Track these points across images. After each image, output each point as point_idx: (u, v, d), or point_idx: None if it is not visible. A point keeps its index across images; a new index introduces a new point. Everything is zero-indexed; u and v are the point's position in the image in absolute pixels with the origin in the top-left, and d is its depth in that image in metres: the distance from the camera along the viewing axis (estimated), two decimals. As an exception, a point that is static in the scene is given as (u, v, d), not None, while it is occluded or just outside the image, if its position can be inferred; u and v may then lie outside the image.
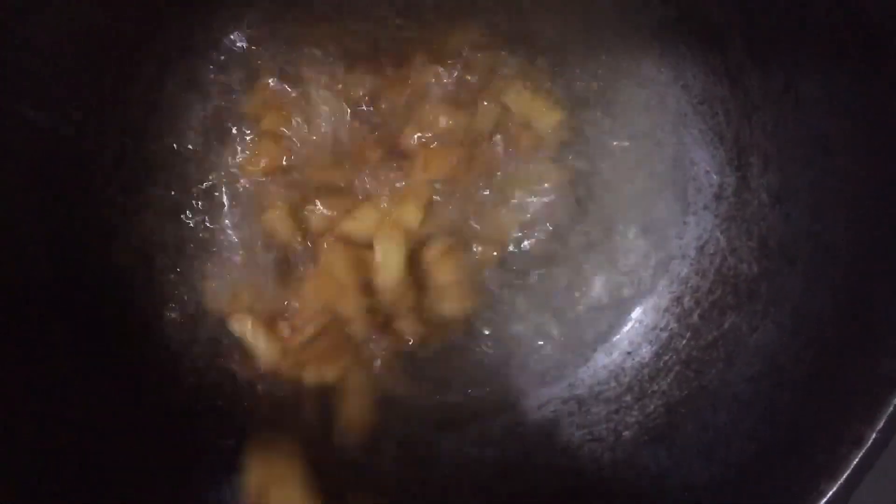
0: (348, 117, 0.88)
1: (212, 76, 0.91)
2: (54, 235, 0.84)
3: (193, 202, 0.92)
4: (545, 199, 0.94)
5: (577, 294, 0.98)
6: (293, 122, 0.89)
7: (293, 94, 0.89)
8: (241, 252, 0.90)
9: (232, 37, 0.91)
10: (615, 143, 0.94)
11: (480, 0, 0.92)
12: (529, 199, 0.94)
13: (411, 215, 0.88)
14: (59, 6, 0.77)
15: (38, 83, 0.80)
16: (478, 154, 0.91)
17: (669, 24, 0.90)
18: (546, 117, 0.91)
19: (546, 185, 0.93)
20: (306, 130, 0.89)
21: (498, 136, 0.92)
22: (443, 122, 0.90)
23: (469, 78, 0.90)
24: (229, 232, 0.91)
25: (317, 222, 0.90)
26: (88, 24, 0.82)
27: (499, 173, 0.93)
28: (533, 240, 0.95)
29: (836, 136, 0.75)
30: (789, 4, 0.75)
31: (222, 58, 0.92)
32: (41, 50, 0.78)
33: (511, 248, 0.95)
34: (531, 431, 0.97)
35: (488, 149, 0.92)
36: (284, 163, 0.90)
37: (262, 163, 0.90)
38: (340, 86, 0.89)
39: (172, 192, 0.92)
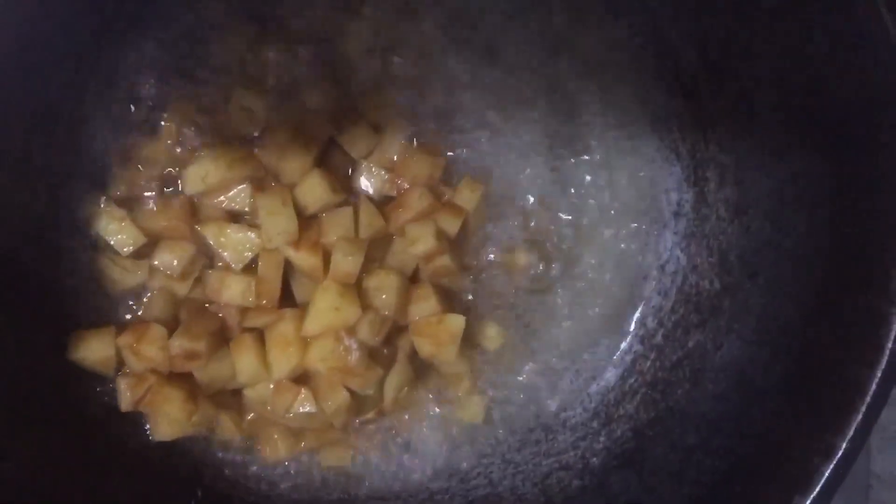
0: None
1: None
2: None
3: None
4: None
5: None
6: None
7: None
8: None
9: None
10: (572, 163, 0.93)
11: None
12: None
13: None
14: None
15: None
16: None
17: (623, 42, 0.90)
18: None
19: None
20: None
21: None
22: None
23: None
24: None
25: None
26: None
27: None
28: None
29: (792, 142, 0.76)
30: (741, 23, 0.76)
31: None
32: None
33: (483, 275, 0.93)
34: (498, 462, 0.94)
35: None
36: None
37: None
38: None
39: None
